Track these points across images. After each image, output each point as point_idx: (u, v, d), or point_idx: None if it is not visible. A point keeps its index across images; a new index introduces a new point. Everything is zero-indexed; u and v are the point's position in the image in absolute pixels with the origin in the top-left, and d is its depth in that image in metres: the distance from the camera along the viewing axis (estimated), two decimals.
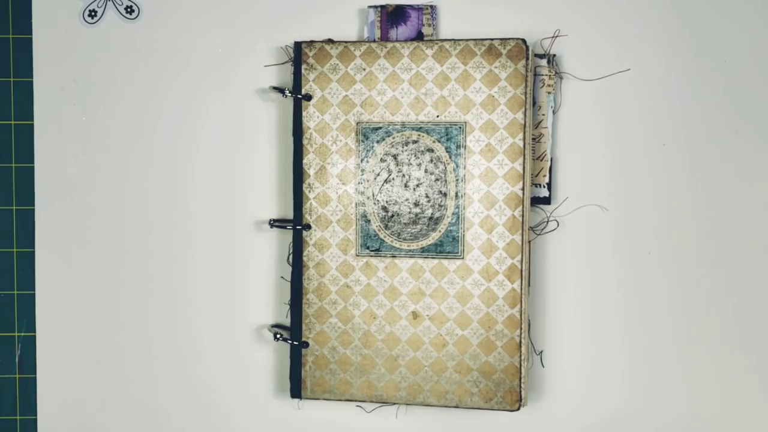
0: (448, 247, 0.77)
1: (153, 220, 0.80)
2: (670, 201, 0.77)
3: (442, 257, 0.77)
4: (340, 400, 0.78)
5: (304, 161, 0.77)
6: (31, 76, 0.80)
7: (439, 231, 0.77)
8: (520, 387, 0.75)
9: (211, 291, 0.80)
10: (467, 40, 0.76)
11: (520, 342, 0.75)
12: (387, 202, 0.77)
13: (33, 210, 0.80)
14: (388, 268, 0.77)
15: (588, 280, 0.77)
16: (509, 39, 0.75)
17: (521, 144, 0.75)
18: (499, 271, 0.76)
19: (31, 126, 0.80)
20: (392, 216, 0.77)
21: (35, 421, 0.80)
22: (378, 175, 0.77)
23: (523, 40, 0.74)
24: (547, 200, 0.77)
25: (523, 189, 0.75)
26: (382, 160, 0.77)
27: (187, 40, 0.80)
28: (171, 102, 0.80)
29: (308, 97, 0.77)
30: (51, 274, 0.80)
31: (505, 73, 0.75)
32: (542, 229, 0.78)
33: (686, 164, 0.77)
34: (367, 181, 0.77)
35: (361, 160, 0.77)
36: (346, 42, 0.77)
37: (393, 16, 0.78)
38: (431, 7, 0.78)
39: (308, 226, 0.78)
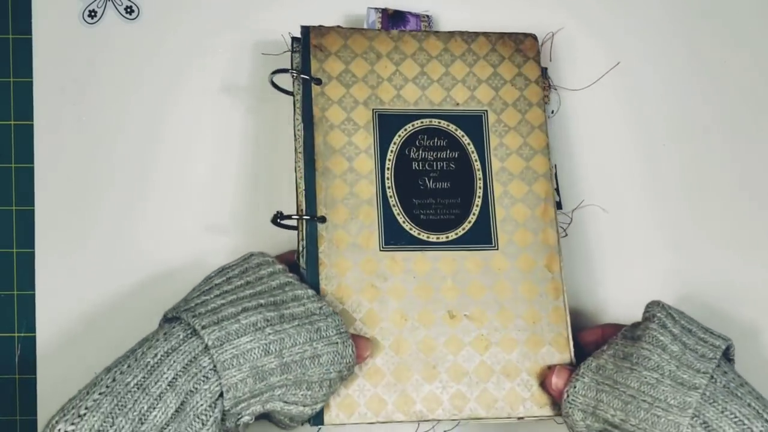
0: (480, 237, 0.72)
1: (153, 220, 0.80)
2: (670, 201, 0.77)
3: (475, 249, 0.72)
4: (372, 423, 0.68)
5: (316, 146, 0.72)
6: (31, 77, 0.80)
7: (469, 221, 0.72)
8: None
9: None
10: (481, 33, 0.77)
11: (568, 336, 0.71)
12: (410, 192, 0.73)
13: (33, 210, 0.79)
14: (416, 263, 0.71)
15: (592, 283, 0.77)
16: (520, 33, 0.77)
17: (544, 131, 0.75)
18: (536, 261, 0.72)
19: (31, 126, 0.80)
20: (417, 206, 0.73)
21: (35, 421, 0.79)
22: (397, 163, 0.74)
23: (534, 36, 0.77)
24: (558, 205, 0.77)
25: (551, 176, 0.74)
26: (401, 148, 0.74)
27: (188, 40, 0.80)
28: (172, 102, 0.80)
29: (318, 81, 0.74)
30: (51, 275, 0.79)
31: (522, 62, 0.76)
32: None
33: (685, 164, 0.77)
34: (388, 169, 0.73)
35: (380, 147, 0.73)
36: (356, 29, 0.76)
37: (393, 19, 0.78)
38: (427, 16, 0.78)
39: (323, 219, 0.71)
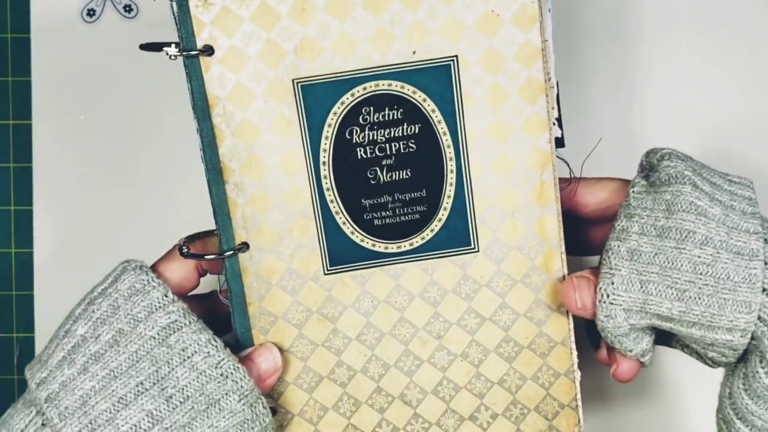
0: (455, 239, 0.55)
1: (153, 220, 0.78)
2: None
3: (449, 254, 0.55)
4: None
5: (221, 150, 0.53)
6: (30, 76, 0.79)
7: (439, 219, 0.55)
8: (578, 405, 0.58)
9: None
10: None
11: (572, 348, 0.58)
12: (357, 191, 0.55)
13: (31, 210, 0.78)
14: (374, 283, 0.56)
15: None
16: None
17: (540, 76, 0.53)
18: (531, 260, 0.56)
19: (30, 126, 0.79)
20: (368, 208, 0.55)
21: None
22: (336, 153, 0.54)
23: None
24: (560, 142, 0.58)
25: (550, 140, 0.54)
26: (339, 131, 0.54)
27: None
28: (171, 101, 0.79)
29: (209, 50, 0.52)
30: (50, 275, 0.77)
31: None
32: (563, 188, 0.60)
33: None
34: (323, 164, 0.54)
35: (309, 135, 0.53)
36: None
37: None
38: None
39: (244, 246, 0.55)
